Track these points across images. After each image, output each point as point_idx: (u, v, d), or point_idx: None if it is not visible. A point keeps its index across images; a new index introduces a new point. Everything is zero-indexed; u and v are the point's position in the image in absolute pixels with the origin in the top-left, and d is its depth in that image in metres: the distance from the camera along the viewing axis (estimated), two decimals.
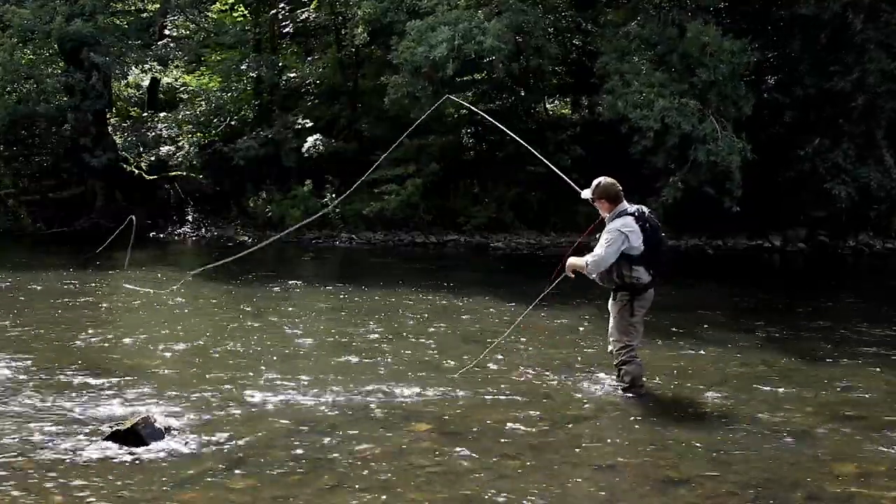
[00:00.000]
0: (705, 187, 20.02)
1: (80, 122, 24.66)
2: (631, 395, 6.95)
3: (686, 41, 20.00)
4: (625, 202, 6.94)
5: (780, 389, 7.41)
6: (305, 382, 7.25)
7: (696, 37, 19.81)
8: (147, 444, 5.50)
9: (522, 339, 9.19)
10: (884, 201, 21.76)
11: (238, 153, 24.05)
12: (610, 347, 7.23)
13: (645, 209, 6.97)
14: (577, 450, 5.73)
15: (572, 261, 6.93)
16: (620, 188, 6.98)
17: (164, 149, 25.15)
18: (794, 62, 22.15)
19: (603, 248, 6.78)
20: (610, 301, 7.16)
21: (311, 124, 24.35)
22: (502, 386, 7.27)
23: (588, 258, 6.84)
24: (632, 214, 6.85)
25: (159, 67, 27.35)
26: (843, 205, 21.12)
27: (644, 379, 7.08)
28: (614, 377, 7.21)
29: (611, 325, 7.13)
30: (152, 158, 25.25)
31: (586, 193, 7.03)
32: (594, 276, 6.94)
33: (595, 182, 7.00)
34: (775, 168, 21.56)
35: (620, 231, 6.75)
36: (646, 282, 6.93)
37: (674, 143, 19.51)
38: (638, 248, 6.79)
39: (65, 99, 24.53)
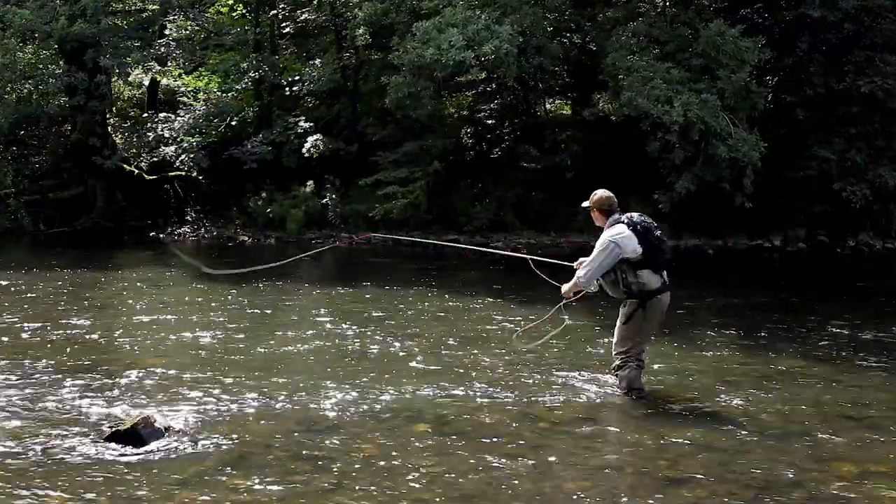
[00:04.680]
0: (722, 183, 20.08)
1: (88, 124, 24.63)
2: (631, 395, 6.94)
3: (703, 41, 19.99)
4: (617, 214, 6.93)
5: (781, 389, 7.41)
6: (305, 382, 7.25)
7: (713, 36, 19.80)
8: (147, 444, 5.50)
9: (523, 339, 9.17)
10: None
11: (249, 157, 23.90)
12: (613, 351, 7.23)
13: (634, 215, 6.91)
14: (577, 450, 5.73)
15: (566, 287, 6.95)
16: (615, 202, 6.99)
17: (165, 149, 25.12)
18: (802, 61, 22.12)
19: (593, 258, 6.78)
20: (620, 306, 7.13)
21: (311, 125, 24.31)
22: (502, 386, 7.27)
23: (580, 271, 6.86)
24: (622, 221, 6.85)
25: (159, 68, 27.31)
26: (859, 204, 21.17)
27: (643, 381, 7.06)
28: (615, 378, 7.20)
29: (615, 329, 7.11)
30: (154, 158, 25.23)
31: (586, 203, 7.12)
32: (607, 289, 6.94)
33: (593, 193, 7.08)
34: (781, 168, 21.53)
35: (610, 240, 6.73)
36: (655, 286, 6.83)
37: (694, 139, 19.54)
38: (634, 250, 6.73)
39: (63, 99, 24.48)
